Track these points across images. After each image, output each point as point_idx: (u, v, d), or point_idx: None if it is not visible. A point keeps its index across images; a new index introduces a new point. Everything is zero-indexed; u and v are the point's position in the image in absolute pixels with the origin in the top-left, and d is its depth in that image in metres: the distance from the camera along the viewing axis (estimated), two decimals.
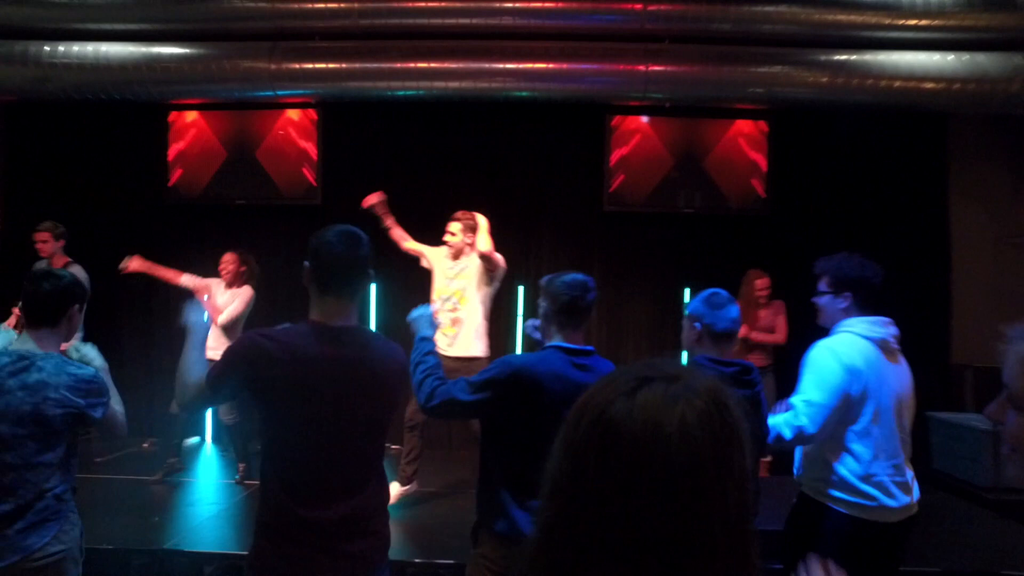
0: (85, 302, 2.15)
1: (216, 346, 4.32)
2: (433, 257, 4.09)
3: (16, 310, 3.69)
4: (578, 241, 5.69)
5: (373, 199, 4.14)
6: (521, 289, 5.51)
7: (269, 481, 1.65)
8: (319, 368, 1.62)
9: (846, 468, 2.21)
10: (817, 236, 5.30)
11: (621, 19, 5.05)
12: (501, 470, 1.94)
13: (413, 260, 4.29)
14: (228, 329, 4.33)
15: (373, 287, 5.54)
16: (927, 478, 4.69)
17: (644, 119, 5.58)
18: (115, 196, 5.76)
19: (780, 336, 4.76)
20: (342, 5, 5.01)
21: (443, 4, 4.98)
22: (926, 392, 4.57)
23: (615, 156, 5.57)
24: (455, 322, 3.89)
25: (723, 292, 2.14)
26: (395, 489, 3.77)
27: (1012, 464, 1.01)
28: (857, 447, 2.20)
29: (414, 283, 4.62)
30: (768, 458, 4.80)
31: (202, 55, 5.21)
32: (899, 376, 2.29)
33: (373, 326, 5.55)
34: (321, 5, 5.03)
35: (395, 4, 5.01)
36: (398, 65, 5.16)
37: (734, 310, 2.10)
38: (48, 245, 4.51)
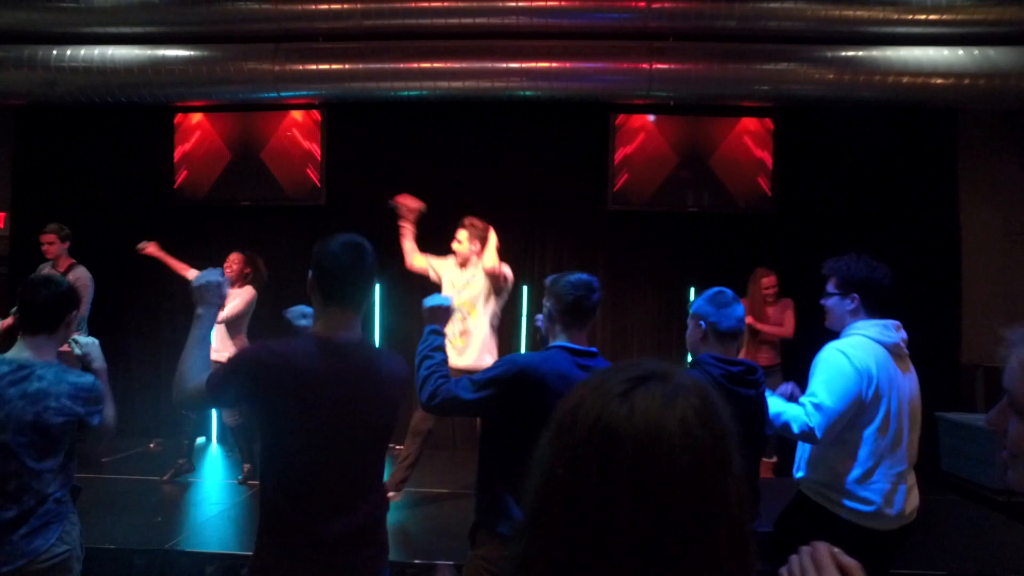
0: (79, 308, 2.16)
1: (219, 347, 4.36)
2: (441, 269, 4.02)
3: (11, 317, 3.72)
4: (582, 240, 5.66)
5: (409, 203, 3.95)
6: (525, 289, 5.49)
7: (271, 493, 1.63)
8: (323, 384, 1.60)
9: (847, 472, 2.18)
10: (824, 234, 5.25)
11: (624, 17, 5.02)
12: (502, 470, 1.93)
13: None
14: (231, 328, 4.35)
15: (377, 287, 5.55)
16: (935, 480, 4.63)
17: (649, 117, 5.54)
18: (122, 198, 5.82)
19: (787, 330, 4.72)
20: (345, 6, 5.03)
21: (445, 4, 4.98)
22: (935, 392, 4.55)
23: (619, 155, 5.55)
24: (464, 333, 3.84)
25: (728, 291, 2.12)
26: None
27: (1012, 469, 0.96)
28: (862, 452, 2.17)
29: (417, 285, 4.61)
30: (773, 459, 4.76)
31: (206, 57, 5.24)
32: (908, 382, 2.26)
33: (377, 327, 5.57)
34: (324, 6, 5.05)
35: (398, 4, 5.02)
36: (401, 65, 5.17)
37: (739, 309, 2.08)
38: (54, 247, 4.56)
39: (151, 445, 5.34)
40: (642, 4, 4.89)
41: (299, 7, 5.05)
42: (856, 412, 2.16)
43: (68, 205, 5.70)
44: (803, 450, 2.35)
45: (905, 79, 4.96)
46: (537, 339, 2.26)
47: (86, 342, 2.13)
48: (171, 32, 5.26)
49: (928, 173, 5.50)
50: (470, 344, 3.83)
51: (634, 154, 5.54)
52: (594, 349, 2.05)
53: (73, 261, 4.63)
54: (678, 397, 0.66)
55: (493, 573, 1.93)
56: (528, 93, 5.24)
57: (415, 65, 5.15)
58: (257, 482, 1.74)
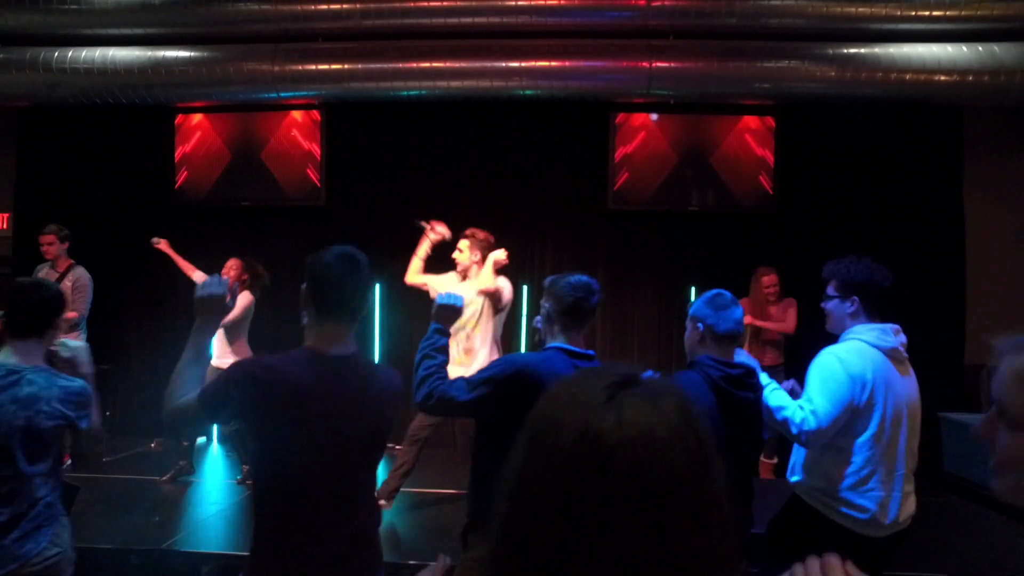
0: (67, 311, 2.17)
1: (219, 354, 4.38)
2: (441, 286, 3.91)
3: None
4: (582, 240, 5.65)
5: (440, 229, 3.95)
6: (525, 289, 5.48)
7: (264, 507, 1.62)
8: (316, 399, 1.58)
9: (844, 479, 2.15)
10: (826, 233, 5.21)
11: (624, 15, 5.01)
12: (496, 471, 1.91)
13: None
14: (230, 334, 4.37)
15: (377, 287, 5.55)
16: (938, 480, 4.58)
17: (652, 117, 5.51)
18: (123, 198, 5.85)
19: (787, 325, 4.68)
20: (344, 6, 5.03)
21: (444, 3, 4.97)
22: (939, 392, 4.50)
23: (619, 154, 5.52)
24: (468, 352, 3.80)
25: (727, 293, 2.11)
26: None
27: (1000, 478, 0.93)
28: (858, 458, 2.14)
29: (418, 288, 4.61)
30: (774, 460, 4.73)
31: (206, 58, 5.26)
32: (907, 387, 2.22)
33: (377, 327, 5.57)
34: (324, 7, 5.06)
35: (397, 4, 5.02)
36: (400, 65, 5.17)
37: (737, 312, 2.06)
38: (53, 247, 4.59)
39: (152, 445, 5.36)
40: (641, 2, 4.87)
41: (298, 7, 5.06)
42: (850, 418, 2.13)
43: (70, 206, 5.73)
44: (798, 453, 2.32)
45: (908, 76, 4.91)
46: (536, 341, 2.25)
47: (74, 346, 2.13)
48: (171, 33, 5.28)
49: (932, 171, 5.44)
50: (474, 363, 3.75)
51: (634, 153, 5.51)
52: (591, 352, 2.05)
53: (72, 262, 4.66)
54: (661, 400, 0.65)
55: None
56: (527, 92, 5.23)
57: (414, 65, 5.15)
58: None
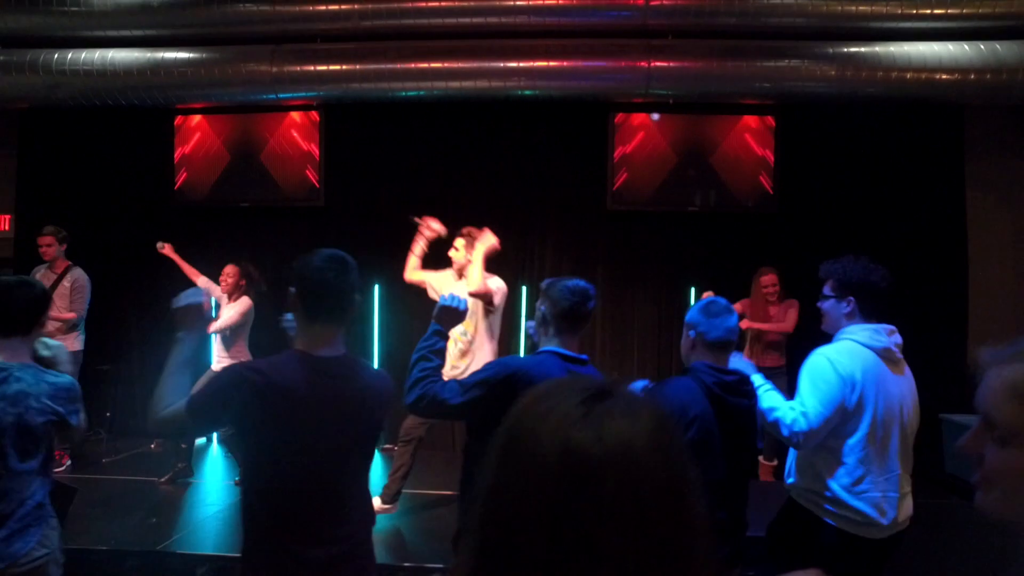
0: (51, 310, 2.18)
1: (218, 359, 4.39)
2: (439, 284, 3.90)
3: None
4: (581, 240, 5.63)
5: (434, 226, 3.91)
6: (524, 290, 5.47)
7: (254, 511, 1.61)
8: (307, 400, 1.58)
9: (837, 480, 2.13)
10: (827, 233, 5.18)
11: (623, 15, 4.99)
12: None
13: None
14: (229, 339, 4.37)
15: (376, 288, 5.55)
16: (939, 482, 4.55)
17: (653, 116, 5.49)
18: (124, 199, 5.87)
19: (786, 325, 4.65)
20: (343, 7, 5.03)
21: (443, 4, 4.96)
22: (941, 394, 4.47)
23: (618, 154, 5.50)
24: (465, 354, 3.77)
25: (721, 301, 2.10)
26: (375, 504, 3.70)
27: (985, 493, 0.90)
28: (850, 459, 2.12)
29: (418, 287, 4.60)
30: (774, 462, 4.70)
31: (205, 59, 5.26)
32: (901, 387, 2.20)
33: (377, 327, 5.56)
34: (322, 8, 5.05)
35: (395, 5, 5.01)
36: (399, 66, 5.16)
37: (730, 320, 2.04)
38: (52, 248, 4.62)
39: (152, 446, 5.37)
40: (640, 2, 4.85)
41: (297, 9, 5.06)
42: (840, 419, 2.11)
43: (70, 207, 5.75)
44: (793, 456, 2.31)
45: (909, 75, 4.88)
46: (529, 347, 2.23)
47: (53, 345, 2.13)
48: (170, 35, 5.29)
49: (934, 170, 5.41)
50: (472, 365, 3.71)
51: (633, 153, 5.49)
52: (585, 356, 2.05)
53: (69, 263, 4.69)
54: (638, 412, 0.64)
55: None
56: (526, 92, 5.21)
57: (412, 65, 5.14)
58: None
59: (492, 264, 3.89)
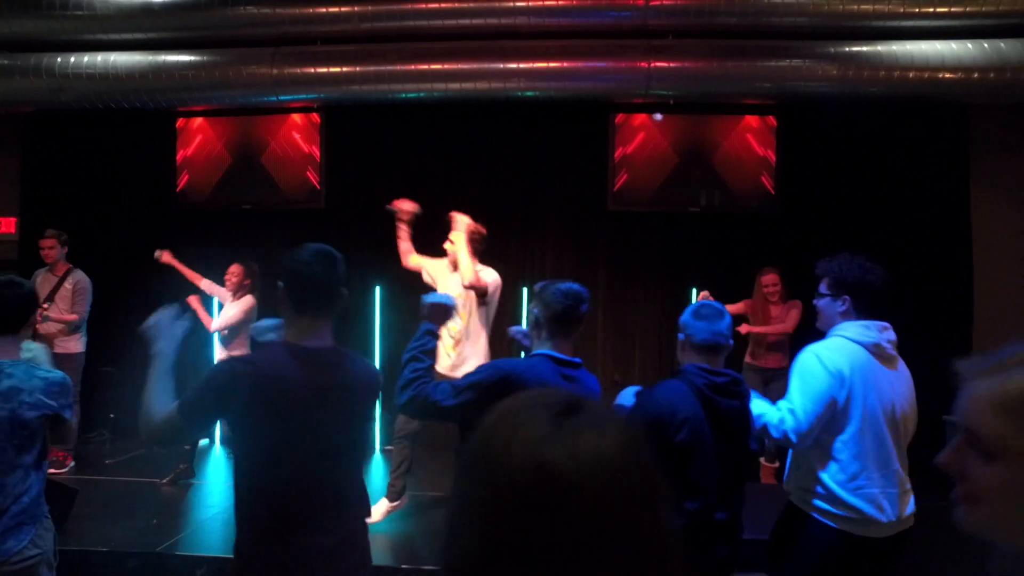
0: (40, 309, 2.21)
1: (220, 355, 4.41)
2: (434, 271, 3.91)
3: None
4: (582, 241, 5.62)
5: (406, 206, 3.91)
6: (524, 291, 5.46)
7: (247, 505, 1.62)
8: (297, 390, 1.61)
9: (831, 477, 2.12)
10: (830, 234, 5.14)
11: (623, 16, 4.98)
12: None
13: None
14: (229, 337, 4.39)
15: (377, 289, 5.55)
16: (943, 483, 4.51)
17: (656, 116, 5.47)
18: (126, 201, 5.90)
19: (786, 326, 4.61)
20: (343, 9, 5.04)
21: (442, 5, 4.97)
22: (945, 394, 4.42)
23: (619, 154, 5.49)
24: (458, 343, 3.75)
25: (714, 304, 2.09)
26: (384, 505, 3.70)
27: (968, 510, 0.87)
28: (843, 455, 2.11)
29: (417, 285, 4.59)
30: (775, 464, 4.68)
31: (206, 62, 5.29)
32: (894, 382, 2.19)
33: (378, 328, 5.57)
34: (322, 10, 5.07)
35: (395, 7, 5.02)
36: (399, 68, 5.17)
37: (720, 323, 2.03)
38: (53, 251, 4.65)
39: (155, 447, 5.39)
40: (640, 2, 4.84)
41: (297, 11, 5.07)
42: (831, 415, 2.11)
43: (74, 209, 5.79)
44: (790, 457, 2.30)
45: (911, 74, 4.84)
46: (520, 353, 2.23)
47: (34, 347, 2.17)
48: (172, 38, 5.31)
49: (938, 170, 5.36)
50: (463, 352, 3.71)
51: (634, 153, 5.48)
52: (578, 360, 2.04)
53: (70, 266, 4.73)
54: (608, 426, 0.64)
55: None
56: (526, 93, 5.21)
57: (412, 67, 5.15)
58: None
59: (492, 261, 3.90)
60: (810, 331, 4.40)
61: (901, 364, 2.24)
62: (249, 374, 1.58)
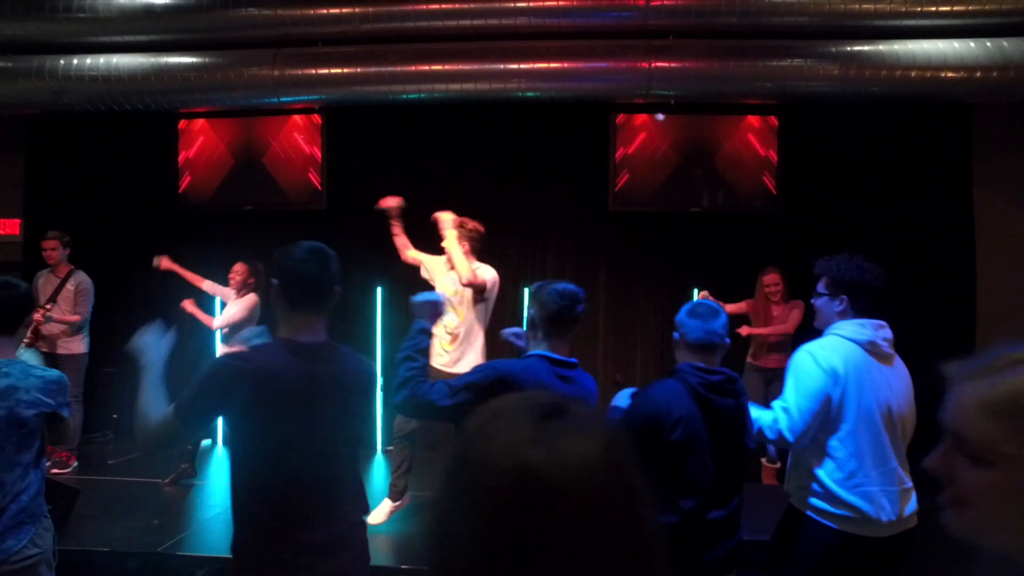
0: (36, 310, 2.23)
1: (221, 352, 4.43)
2: (432, 267, 3.91)
3: None
4: (583, 242, 5.62)
5: (390, 202, 3.93)
6: (525, 292, 5.45)
7: (244, 501, 1.63)
8: (292, 383, 1.63)
9: (828, 475, 2.11)
10: (832, 234, 5.13)
11: (624, 16, 4.97)
12: None
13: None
14: (228, 336, 4.43)
15: (379, 289, 5.56)
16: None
17: (659, 117, 5.47)
18: (129, 203, 5.93)
19: (787, 327, 4.60)
20: (343, 11, 5.05)
21: (443, 7, 4.97)
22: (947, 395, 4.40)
23: (620, 154, 5.49)
24: (454, 338, 3.74)
25: (709, 303, 2.10)
26: (387, 506, 3.71)
27: (956, 514, 0.85)
28: (840, 453, 2.11)
29: (418, 286, 4.60)
30: (777, 464, 4.67)
31: (208, 64, 5.31)
32: (890, 379, 2.18)
33: (379, 328, 5.58)
34: (323, 11, 5.08)
35: (395, 8, 5.02)
36: (399, 69, 5.17)
37: (714, 322, 2.03)
38: (56, 253, 4.69)
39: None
40: (641, 2, 4.83)
41: (298, 12, 5.08)
42: (826, 413, 2.11)
43: (77, 210, 5.82)
44: (791, 459, 2.29)
45: (913, 73, 4.82)
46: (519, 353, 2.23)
47: (26, 355, 2.19)
48: (174, 40, 5.33)
49: (940, 170, 5.34)
50: (459, 348, 3.71)
51: (635, 154, 5.48)
52: (574, 360, 2.05)
53: (72, 267, 4.76)
54: (590, 429, 0.64)
55: None
56: (527, 94, 5.21)
57: (412, 68, 5.16)
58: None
59: (493, 261, 3.90)
60: (811, 331, 4.41)
61: (898, 361, 2.24)
62: (246, 370, 1.60)
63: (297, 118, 5.70)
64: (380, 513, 3.65)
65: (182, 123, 5.82)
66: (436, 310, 2.11)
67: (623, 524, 0.62)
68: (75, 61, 5.34)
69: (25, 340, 4.37)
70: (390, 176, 5.65)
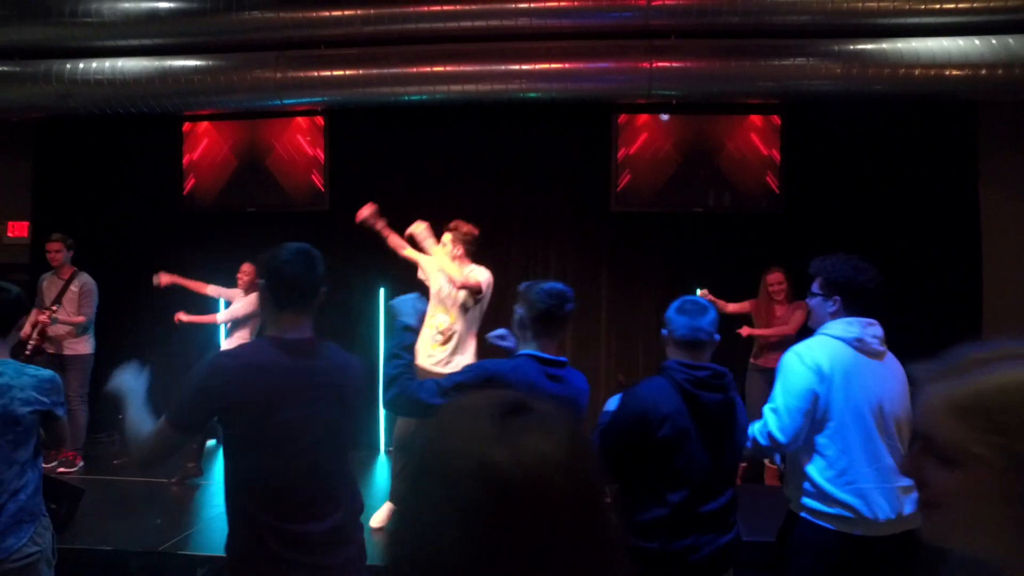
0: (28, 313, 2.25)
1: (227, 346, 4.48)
2: (429, 268, 3.90)
3: None
4: (585, 242, 5.61)
5: (364, 212, 3.89)
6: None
7: (238, 498, 1.65)
8: (282, 379, 1.66)
9: (820, 473, 2.10)
10: (836, 233, 5.10)
11: (625, 16, 4.96)
12: None
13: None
14: (234, 329, 4.51)
15: (381, 291, 5.58)
16: None
17: (663, 117, 5.45)
18: (134, 205, 5.98)
19: (788, 328, 4.57)
20: (345, 13, 5.07)
21: (444, 8, 4.98)
22: None
23: (621, 155, 5.48)
24: (446, 339, 3.72)
25: (698, 300, 2.10)
26: (387, 508, 3.70)
27: (929, 518, 0.83)
28: (829, 451, 2.10)
29: (419, 289, 4.61)
30: (779, 465, 4.64)
31: (211, 67, 5.35)
32: (880, 375, 2.16)
33: (381, 330, 5.59)
34: (325, 14, 5.10)
35: (397, 10, 5.04)
36: (401, 70, 5.19)
37: (701, 319, 2.03)
38: (60, 255, 4.74)
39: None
40: (642, 2, 4.83)
41: (300, 15, 5.11)
42: (815, 411, 2.10)
43: (84, 213, 5.88)
44: (787, 464, 2.28)
45: (917, 71, 4.79)
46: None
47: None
48: (178, 43, 5.37)
49: (945, 168, 5.30)
50: (451, 348, 3.68)
51: (637, 154, 5.47)
52: (564, 359, 2.05)
53: (75, 269, 4.82)
54: (552, 426, 0.64)
55: None
56: (529, 95, 5.21)
57: (415, 70, 5.17)
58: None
59: (493, 262, 3.90)
60: (811, 333, 4.38)
61: (890, 358, 2.21)
62: (234, 366, 1.63)
63: (300, 120, 5.73)
64: (382, 515, 3.65)
65: (186, 126, 5.87)
66: (414, 308, 2.10)
67: (584, 520, 0.62)
68: (81, 65, 5.40)
69: (32, 342, 4.43)
70: (392, 177, 5.68)
